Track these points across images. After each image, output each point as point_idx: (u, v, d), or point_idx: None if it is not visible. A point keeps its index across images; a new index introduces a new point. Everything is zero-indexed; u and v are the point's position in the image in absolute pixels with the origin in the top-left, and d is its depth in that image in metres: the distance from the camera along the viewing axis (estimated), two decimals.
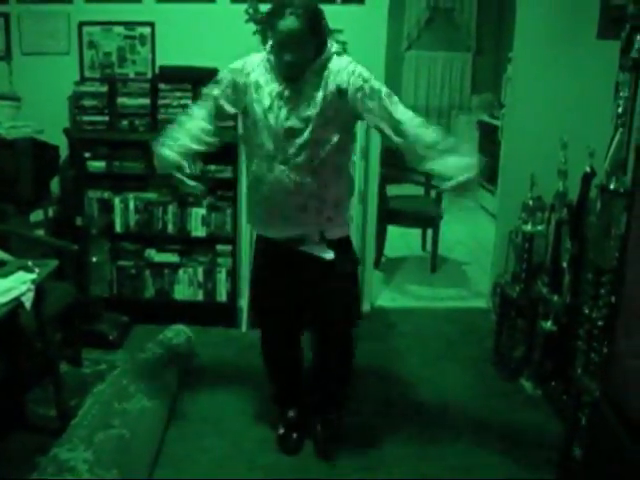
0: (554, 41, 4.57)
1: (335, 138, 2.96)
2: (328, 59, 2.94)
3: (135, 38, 4.71)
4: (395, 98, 2.95)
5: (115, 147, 4.64)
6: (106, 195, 4.70)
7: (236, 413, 3.70)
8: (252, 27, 4.46)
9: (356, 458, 3.36)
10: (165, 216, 4.69)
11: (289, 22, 2.77)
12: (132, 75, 4.74)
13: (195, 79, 4.54)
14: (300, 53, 2.84)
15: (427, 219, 6.17)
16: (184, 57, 4.59)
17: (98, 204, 4.70)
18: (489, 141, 7.70)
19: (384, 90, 2.94)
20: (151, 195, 4.71)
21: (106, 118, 4.61)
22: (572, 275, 3.69)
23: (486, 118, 8.42)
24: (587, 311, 3.22)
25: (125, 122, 4.60)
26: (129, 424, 3.17)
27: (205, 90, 3.20)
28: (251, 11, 4.42)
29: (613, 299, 2.86)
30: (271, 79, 2.98)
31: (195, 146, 3.13)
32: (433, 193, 6.38)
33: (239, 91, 3.05)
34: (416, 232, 6.55)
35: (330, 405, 3.53)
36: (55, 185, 4.61)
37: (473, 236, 7.21)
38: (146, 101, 4.58)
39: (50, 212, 4.46)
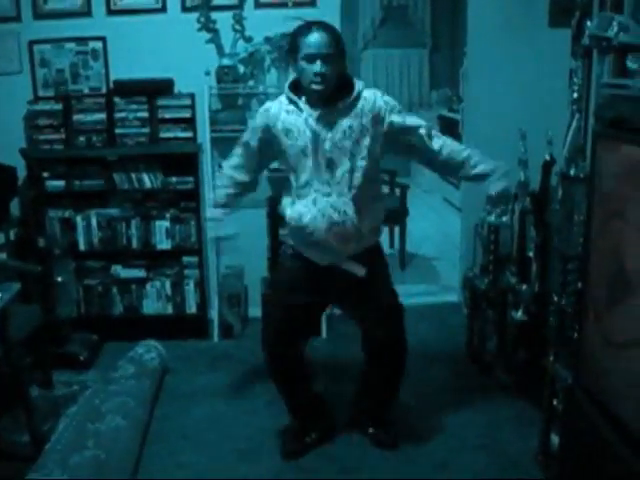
0: (507, 33, 4.60)
1: (369, 165, 3.04)
2: (361, 91, 3.04)
3: (87, 53, 4.66)
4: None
5: (73, 165, 4.58)
6: (67, 214, 4.64)
7: (212, 425, 3.67)
8: (205, 36, 4.44)
9: (335, 460, 3.34)
10: (129, 231, 4.64)
11: (317, 34, 2.90)
12: (86, 91, 4.68)
13: (151, 91, 4.52)
14: (329, 65, 2.91)
15: (393, 216, 6.14)
16: (138, 69, 4.55)
17: (60, 223, 4.64)
18: (450, 135, 7.73)
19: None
20: (113, 211, 4.66)
21: (63, 136, 4.55)
22: (539, 264, 3.70)
23: (446, 113, 8.46)
24: (556, 299, 3.23)
25: (82, 139, 4.54)
26: (104, 444, 3.12)
27: (243, 139, 3.27)
28: (203, 19, 4.40)
29: (580, 285, 2.87)
30: (298, 118, 3.02)
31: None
32: (397, 190, 6.38)
33: (271, 134, 3.11)
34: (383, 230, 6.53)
35: (382, 410, 3.55)
36: (15, 206, 4.54)
37: (440, 230, 7.24)
38: (102, 116, 4.53)
39: (11, 234, 4.37)
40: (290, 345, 3.33)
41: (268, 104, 3.18)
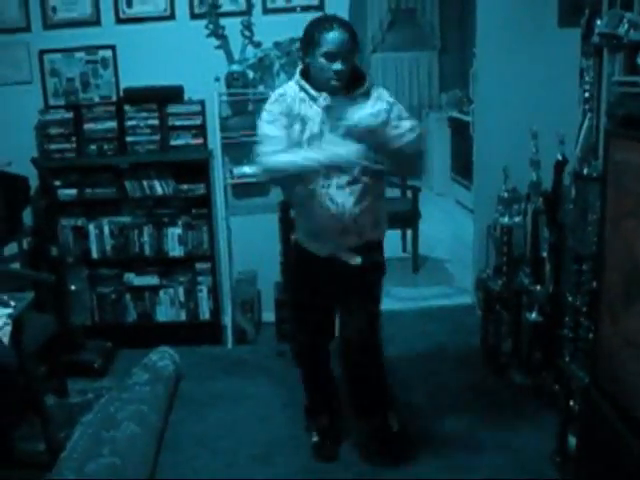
0: (516, 33, 4.59)
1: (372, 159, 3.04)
2: (371, 87, 3.08)
3: (97, 62, 4.67)
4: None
5: (85, 173, 4.60)
6: (80, 222, 4.66)
7: (227, 431, 3.66)
8: (214, 42, 4.44)
9: (351, 465, 3.33)
10: (141, 238, 4.65)
11: (338, 33, 2.91)
12: (97, 99, 4.69)
13: (161, 98, 4.53)
14: (347, 63, 2.96)
15: (405, 220, 6.15)
16: (148, 77, 4.56)
17: (72, 232, 4.65)
18: (461, 137, 7.72)
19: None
20: (125, 218, 4.67)
21: (74, 145, 4.57)
22: (553, 264, 3.69)
23: (456, 114, 8.44)
24: (570, 299, 3.21)
25: (93, 147, 4.56)
26: (119, 452, 3.12)
27: (268, 133, 3.05)
28: (211, 26, 4.40)
29: (595, 285, 2.85)
30: (310, 107, 3.04)
31: None
32: (409, 194, 6.37)
33: (290, 120, 3.06)
34: (395, 234, 6.52)
35: (374, 408, 3.47)
36: (27, 216, 4.55)
37: (452, 233, 7.21)
38: (113, 124, 4.55)
39: (24, 244, 4.39)
40: (314, 335, 3.41)
41: (280, 90, 3.15)
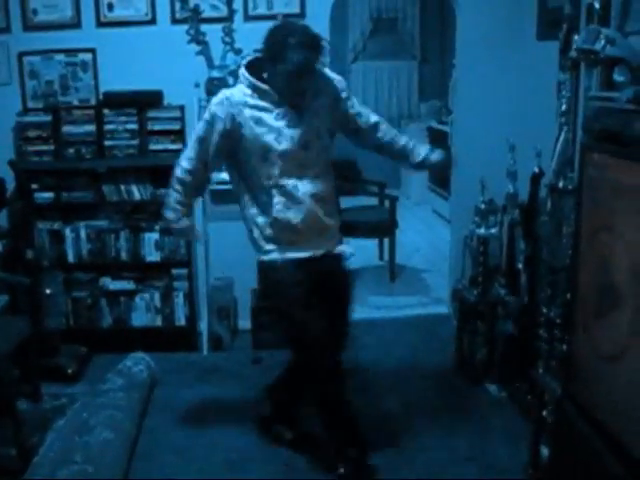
0: (495, 45, 4.63)
1: (329, 142, 3.17)
2: (323, 72, 3.13)
3: (77, 65, 4.65)
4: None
5: (62, 176, 4.57)
6: (56, 225, 4.62)
7: (201, 438, 3.65)
8: (195, 48, 4.43)
9: (324, 474, 3.32)
10: (117, 243, 4.63)
11: (305, 53, 2.87)
12: (76, 102, 4.67)
13: (140, 103, 4.53)
14: (310, 79, 2.98)
15: (383, 229, 6.17)
16: (128, 81, 4.55)
17: (48, 235, 4.61)
18: (439, 147, 7.75)
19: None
20: (102, 223, 4.64)
21: (52, 147, 4.54)
22: (528, 275, 3.72)
23: (435, 125, 8.48)
24: (545, 310, 3.24)
25: (71, 150, 4.54)
26: (92, 458, 3.09)
27: (200, 133, 3.10)
28: (192, 32, 4.40)
29: (569, 297, 2.88)
30: (267, 106, 3.00)
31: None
32: (387, 203, 6.39)
33: (235, 125, 3.01)
34: (373, 242, 6.54)
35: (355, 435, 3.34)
36: (3, 218, 4.52)
37: (430, 242, 7.24)
38: (91, 128, 4.53)
39: None
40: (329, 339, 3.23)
41: (226, 92, 3.06)
